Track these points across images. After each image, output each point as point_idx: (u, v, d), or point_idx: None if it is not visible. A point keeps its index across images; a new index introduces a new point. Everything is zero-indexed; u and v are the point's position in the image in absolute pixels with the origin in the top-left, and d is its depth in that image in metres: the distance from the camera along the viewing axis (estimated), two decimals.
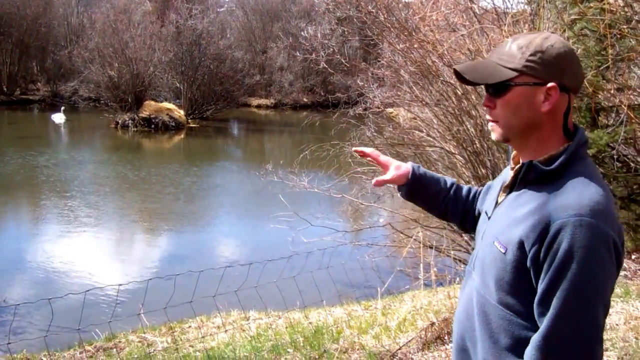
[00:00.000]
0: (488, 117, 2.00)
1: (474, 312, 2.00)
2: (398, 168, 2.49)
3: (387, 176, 2.48)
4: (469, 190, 2.52)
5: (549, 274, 1.74)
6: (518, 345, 1.86)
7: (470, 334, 2.01)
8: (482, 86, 2.03)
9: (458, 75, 2.00)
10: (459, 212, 2.49)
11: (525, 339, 1.83)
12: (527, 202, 1.87)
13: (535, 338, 1.77)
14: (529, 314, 1.83)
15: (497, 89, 1.93)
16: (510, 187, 2.00)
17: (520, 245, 1.81)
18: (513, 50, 1.91)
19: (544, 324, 1.76)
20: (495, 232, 1.95)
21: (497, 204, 2.07)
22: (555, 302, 1.73)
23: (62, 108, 29.80)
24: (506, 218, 1.93)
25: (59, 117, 29.21)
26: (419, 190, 2.48)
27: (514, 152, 2.08)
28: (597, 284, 1.73)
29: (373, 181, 2.52)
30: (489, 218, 2.07)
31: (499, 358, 1.90)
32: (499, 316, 1.90)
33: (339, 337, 5.61)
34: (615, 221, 1.78)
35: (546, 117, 1.89)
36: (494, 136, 2.01)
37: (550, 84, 1.86)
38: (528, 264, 1.80)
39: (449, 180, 2.55)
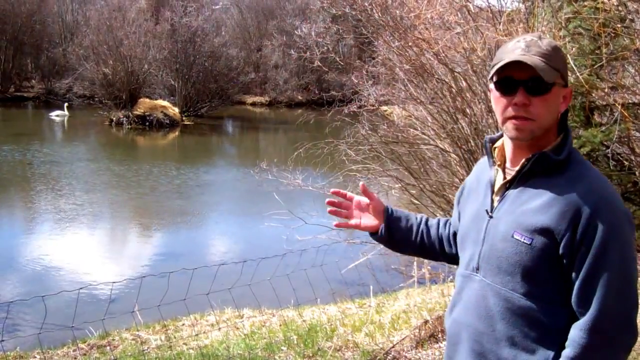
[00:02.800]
0: (519, 114, 1.93)
1: (493, 312, 1.98)
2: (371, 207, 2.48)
3: (354, 221, 2.48)
4: (439, 220, 2.52)
5: (589, 259, 1.80)
6: (549, 335, 1.89)
7: (490, 335, 1.99)
8: (491, 84, 2.03)
9: (511, 65, 1.92)
10: (437, 240, 2.46)
11: (557, 327, 1.87)
12: (541, 192, 1.91)
13: (583, 322, 1.82)
14: (558, 301, 1.88)
15: (540, 88, 1.91)
16: (510, 182, 2.01)
17: (548, 233, 1.85)
18: (549, 50, 1.92)
19: (592, 306, 1.81)
20: (509, 226, 1.95)
21: (492, 201, 2.07)
22: (601, 284, 1.80)
23: (65, 105, 30.12)
24: (519, 211, 1.94)
25: (61, 114, 29.58)
26: (395, 227, 2.46)
27: (496, 150, 2.10)
28: (632, 259, 1.83)
29: (333, 224, 2.53)
30: (490, 217, 2.04)
31: (532, 352, 1.90)
32: (528, 308, 1.91)
33: (333, 335, 5.61)
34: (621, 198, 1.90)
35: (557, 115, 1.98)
36: (520, 134, 1.95)
37: (568, 87, 1.97)
38: (561, 251, 1.84)
39: (419, 215, 2.54)
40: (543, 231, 1.85)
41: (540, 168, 1.93)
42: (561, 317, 1.87)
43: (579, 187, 1.84)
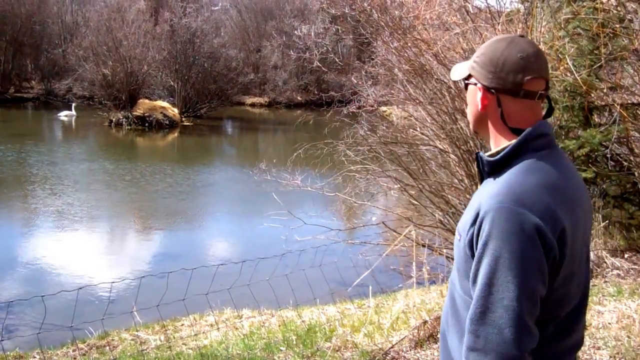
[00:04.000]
0: None
1: (450, 303, 2.05)
2: None
3: None
4: None
5: (474, 260, 1.80)
6: None
7: (447, 320, 2.06)
8: None
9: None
10: None
11: None
12: (481, 190, 1.96)
13: (466, 320, 1.81)
14: None
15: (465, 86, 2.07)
16: (480, 180, 2.06)
17: (464, 232, 1.89)
18: (479, 50, 2.03)
19: (469, 312, 1.80)
20: (460, 222, 2.03)
21: None
22: (477, 286, 1.78)
23: (73, 105, 30.43)
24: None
25: (69, 114, 29.93)
26: None
27: None
28: (514, 268, 1.72)
29: None
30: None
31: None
32: (462, 301, 1.94)
33: (332, 336, 5.61)
34: (541, 206, 1.76)
35: (486, 114, 1.99)
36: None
37: (478, 85, 1.98)
38: (467, 249, 1.87)
39: None
40: (462, 231, 1.91)
41: (486, 168, 1.96)
42: None
43: (489, 189, 1.85)
